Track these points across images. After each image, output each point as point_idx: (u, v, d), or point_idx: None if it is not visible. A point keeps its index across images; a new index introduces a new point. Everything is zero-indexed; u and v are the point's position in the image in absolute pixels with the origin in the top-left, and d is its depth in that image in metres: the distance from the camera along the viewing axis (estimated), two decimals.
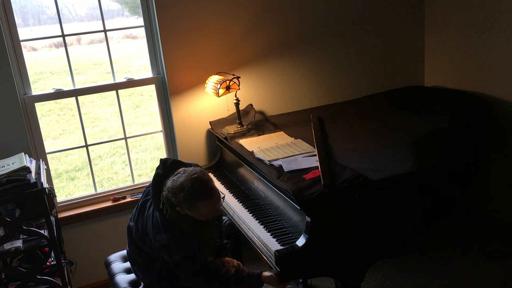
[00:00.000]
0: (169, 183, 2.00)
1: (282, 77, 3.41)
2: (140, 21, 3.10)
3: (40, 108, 7.07)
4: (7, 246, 2.32)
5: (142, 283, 2.27)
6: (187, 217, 2.03)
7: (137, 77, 3.16)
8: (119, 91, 3.17)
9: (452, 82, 3.62)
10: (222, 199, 2.09)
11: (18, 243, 2.34)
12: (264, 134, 2.93)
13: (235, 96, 3.00)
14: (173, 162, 2.14)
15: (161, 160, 2.15)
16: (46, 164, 2.91)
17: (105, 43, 3.11)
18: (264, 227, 2.34)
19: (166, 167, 2.11)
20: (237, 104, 3.02)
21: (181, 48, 3.08)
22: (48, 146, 6.12)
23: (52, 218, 2.45)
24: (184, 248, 2.04)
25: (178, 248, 2.03)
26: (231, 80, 2.91)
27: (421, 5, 3.72)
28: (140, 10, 3.04)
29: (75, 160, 6.26)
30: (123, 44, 9.33)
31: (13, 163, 2.41)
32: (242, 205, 2.62)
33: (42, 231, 2.36)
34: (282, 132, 2.93)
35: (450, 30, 3.55)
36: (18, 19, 2.82)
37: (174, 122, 3.17)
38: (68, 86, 3.06)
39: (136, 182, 3.30)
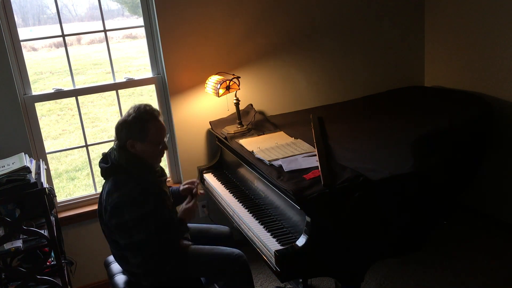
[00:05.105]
0: (116, 126, 2.12)
1: (282, 77, 3.41)
2: (140, 21, 3.10)
3: (40, 108, 7.07)
4: (7, 246, 2.32)
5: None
6: (137, 158, 2.09)
7: (137, 77, 3.16)
8: (119, 91, 3.17)
9: (452, 82, 3.62)
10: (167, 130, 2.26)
11: (18, 243, 2.34)
12: (264, 134, 2.93)
13: (235, 96, 3.00)
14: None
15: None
16: (46, 164, 2.91)
17: (105, 43, 3.11)
18: (264, 227, 2.34)
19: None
20: (237, 104, 3.02)
21: (181, 48, 3.08)
22: (48, 146, 6.12)
23: (52, 218, 2.45)
24: (136, 203, 2.01)
25: (130, 206, 2.00)
26: (231, 80, 2.91)
27: (421, 5, 3.72)
28: (140, 10, 3.04)
29: (75, 160, 6.26)
30: (123, 44, 9.34)
31: (13, 163, 2.41)
32: (242, 205, 2.62)
33: (42, 231, 2.36)
34: (282, 132, 2.93)
35: (450, 30, 3.55)
36: (18, 19, 2.82)
37: (174, 122, 3.17)
38: (68, 86, 3.06)
39: None
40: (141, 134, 2.07)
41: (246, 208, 2.57)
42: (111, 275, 2.43)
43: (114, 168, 2.10)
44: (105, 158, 2.17)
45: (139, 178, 2.08)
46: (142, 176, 2.10)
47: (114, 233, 2.10)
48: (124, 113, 2.14)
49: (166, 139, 2.18)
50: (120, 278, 2.38)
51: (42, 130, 2.97)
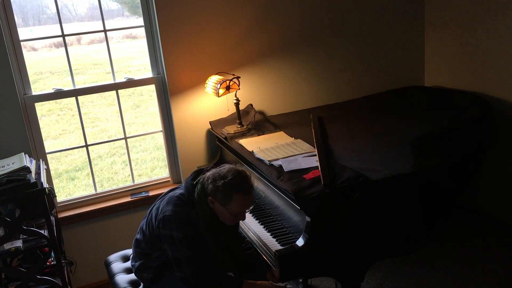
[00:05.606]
0: (210, 173, 2.06)
1: (282, 77, 3.41)
2: (140, 21, 3.10)
3: (40, 108, 7.07)
4: (7, 246, 2.32)
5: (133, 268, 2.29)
6: (209, 211, 2.04)
7: (137, 77, 3.16)
8: (119, 91, 3.17)
9: (452, 82, 3.62)
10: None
11: (18, 243, 2.34)
12: (264, 134, 2.93)
13: (235, 96, 3.00)
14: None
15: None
16: (46, 164, 2.91)
17: (105, 43, 3.11)
18: (264, 227, 2.34)
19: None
20: (237, 104, 3.02)
21: (181, 48, 3.08)
22: (48, 146, 6.13)
23: (52, 218, 2.45)
24: (186, 227, 2.01)
25: (180, 224, 2.00)
26: (231, 80, 2.91)
27: (421, 5, 3.72)
28: (140, 10, 3.04)
29: (75, 160, 6.26)
30: (123, 44, 9.34)
31: (13, 163, 2.41)
32: None
33: (42, 231, 2.36)
34: (282, 132, 2.93)
35: (450, 30, 3.55)
36: (18, 19, 2.82)
37: (174, 122, 3.17)
38: (68, 86, 3.06)
39: (136, 182, 3.30)
40: (224, 200, 2.01)
41: None
42: (111, 275, 2.43)
43: (191, 199, 2.08)
44: (195, 176, 2.15)
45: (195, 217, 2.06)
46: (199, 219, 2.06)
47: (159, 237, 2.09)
48: (222, 167, 2.06)
49: (247, 211, 2.13)
50: (120, 278, 2.38)
51: (42, 130, 2.97)
